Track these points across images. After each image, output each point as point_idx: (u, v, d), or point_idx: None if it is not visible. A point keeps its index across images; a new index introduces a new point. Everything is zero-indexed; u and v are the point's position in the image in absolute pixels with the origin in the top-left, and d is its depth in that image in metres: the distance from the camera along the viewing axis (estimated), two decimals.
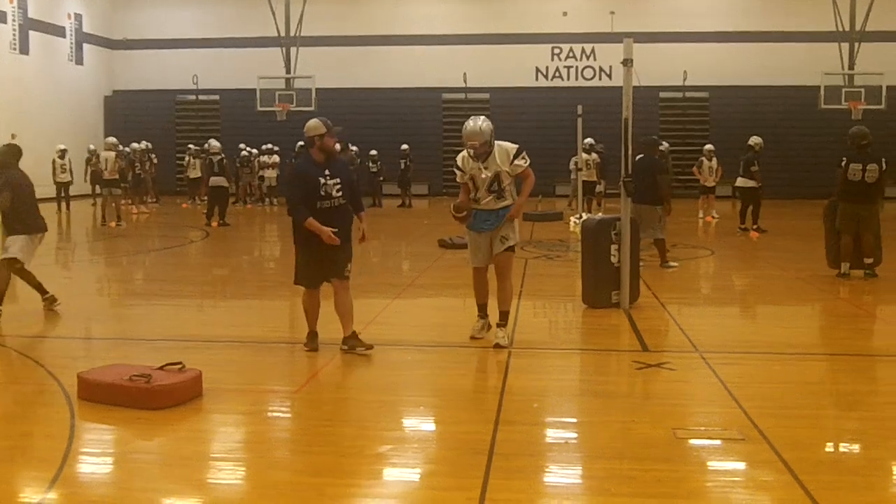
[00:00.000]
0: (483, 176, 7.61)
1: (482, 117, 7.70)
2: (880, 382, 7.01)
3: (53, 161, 24.38)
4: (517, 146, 7.69)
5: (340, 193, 7.41)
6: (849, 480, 4.64)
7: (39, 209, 9.49)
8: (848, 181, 11.42)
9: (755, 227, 17.96)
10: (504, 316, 7.77)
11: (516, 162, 7.61)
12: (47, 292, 9.62)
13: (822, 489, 4.39)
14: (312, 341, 7.62)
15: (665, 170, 12.46)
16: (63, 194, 24.47)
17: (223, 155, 20.93)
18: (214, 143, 21.41)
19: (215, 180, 20.36)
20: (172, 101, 33.87)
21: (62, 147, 24.66)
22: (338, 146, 7.55)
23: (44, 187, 27.70)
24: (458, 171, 7.84)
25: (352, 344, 7.46)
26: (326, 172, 7.36)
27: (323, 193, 7.32)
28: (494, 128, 7.71)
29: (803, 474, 4.59)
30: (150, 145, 27.46)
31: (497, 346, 7.59)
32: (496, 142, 7.69)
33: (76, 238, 19.80)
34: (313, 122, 7.49)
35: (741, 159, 18.07)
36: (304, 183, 7.35)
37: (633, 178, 11.79)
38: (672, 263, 12.79)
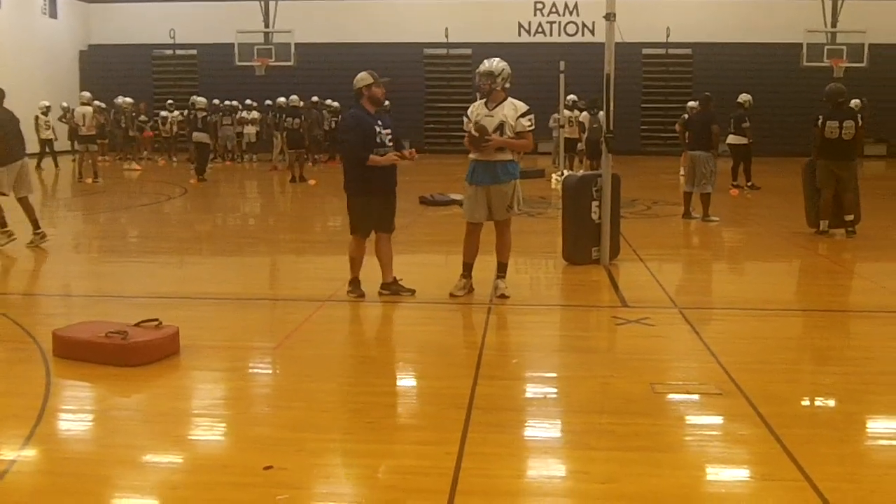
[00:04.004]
0: (488, 122, 7.61)
1: (499, 59, 7.79)
2: (857, 338, 7.06)
3: (37, 118, 24.15)
4: (528, 107, 7.73)
5: (391, 144, 7.70)
6: (824, 434, 4.67)
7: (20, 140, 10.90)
8: (825, 139, 11.43)
9: (749, 183, 18.10)
10: (503, 267, 7.93)
11: (522, 120, 7.63)
12: (39, 228, 10.58)
13: (797, 443, 4.42)
14: (357, 288, 7.82)
15: (717, 121, 13.51)
16: (48, 150, 24.35)
17: (207, 111, 21.16)
18: (200, 99, 21.60)
19: (198, 136, 20.62)
20: (149, 56, 33.43)
21: (46, 104, 24.45)
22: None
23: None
24: (465, 119, 7.89)
25: (394, 289, 7.85)
26: (379, 122, 7.63)
27: (378, 142, 7.59)
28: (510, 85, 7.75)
29: (780, 428, 4.62)
30: (129, 100, 27.26)
31: (502, 296, 7.73)
32: (511, 98, 7.73)
33: (53, 195, 19.60)
34: (361, 74, 7.73)
35: (731, 117, 18.10)
36: (363, 131, 7.58)
37: (689, 128, 13.83)
38: (713, 218, 13.18)
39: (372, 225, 7.78)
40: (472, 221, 7.91)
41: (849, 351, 6.58)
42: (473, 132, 7.60)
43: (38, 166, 24.40)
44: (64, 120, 25.20)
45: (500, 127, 7.61)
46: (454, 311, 7.56)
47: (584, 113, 19.76)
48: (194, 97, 22.21)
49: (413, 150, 7.89)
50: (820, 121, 11.51)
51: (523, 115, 7.64)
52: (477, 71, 7.77)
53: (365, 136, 7.55)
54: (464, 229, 8.03)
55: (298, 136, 20.63)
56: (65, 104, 25.70)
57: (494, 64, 7.69)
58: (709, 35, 31.09)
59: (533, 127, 7.72)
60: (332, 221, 14.45)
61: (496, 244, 7.95)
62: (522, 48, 32.04)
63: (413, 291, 7.86)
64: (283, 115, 21.79)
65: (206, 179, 20.42)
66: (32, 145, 26.09)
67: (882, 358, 6.22)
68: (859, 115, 11.75)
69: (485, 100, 7.79)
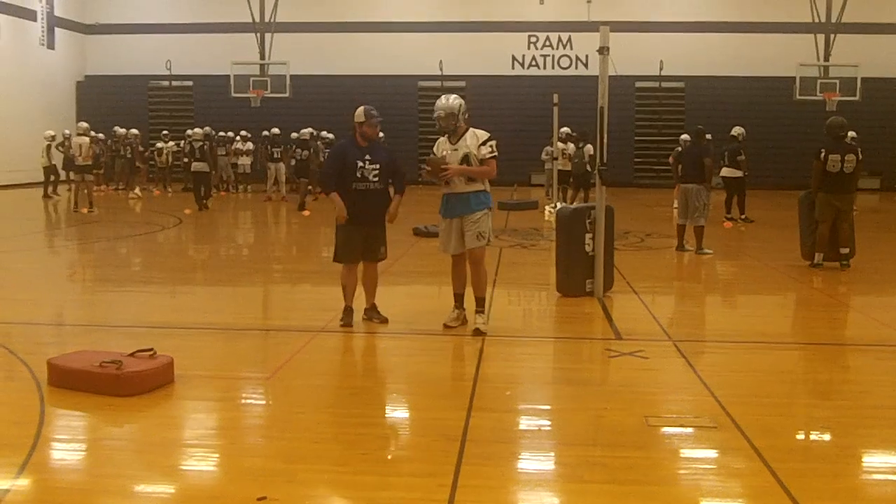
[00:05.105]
0: (453, 156, 7.64)
1: (454, 95, 7.87)
2: (852, 371, 7.06)
3: (49, 147, 24.73)
4: (489, 134, 7.74)
5: (377, 179, 7.79)
6: (819, 468, 4.67)
7: None
8: (826, 172, 11.46)
9: (743, 216, 18.17)
10: (480, 302, 7.82)
11: (482, 148, 7.65)
12: None
13: (792, 476, 4.42)
14: (348, 317, 7.95)
15: (710, 154, 13.50)
16: (54, 178, 24.72)
17: (205, 141, 21.65)
18: (198, 130, 22.60)
19: (197, 165, 21.17)
20: (145, 87, 33.55)
21: (52, 133, 24.82)
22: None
23: (16, 172, 27.65)
24: (432, 155, 7.89)
25: (371, 315, 8.07)
26: (367, 157, 7.77)
27: (359, 175, 7.74)
28: (470, 115, 7.78)
29: (774, 462, 4.62)
30: (137, 132, 27.49)
31: (477, 331, 7.63)
32: (472, 128, 7.74)
33: (48, 224, 19.60)
34: (358, 110, 7.93)
35: (724, 150, 18.15)
36: (341, 162, 7.83)
37: (682, 161, 13.87)
38: (707, 250, 13.21)
39: (357, 254, 7.95)
40: (448, 254, 7.94)
41: (844, 384, 6.59)
42: (427, 167, 7.67)
43: (47, 195, 24.56)
44: (60, 149, 25.30)
45: (465, 158, 7.64)
46: (447, 343, 7.56)
47: (571, 145, 19.99)
48: (196, 129, 22.88)
49: (391, 215, 7.98)
50: (822, 154, 11.52)
51: (484, 143, 7.67)
52: (436, 115, 7.71)
53: (343, 169, 7.75)
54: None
55: (306, 167, 21.47)
56: (67, 132, 25.79)
57: (453, 102, 7.70)
58: (702, 68, 31.34)
59: (494, 153, 7.71)
60: (327, 252, 14.45)
61: (471, 279, 7.90)
62: (516, 81, 32.34)
63: (385, 320, 8.01)
64: (293, 147, 22.95)
65: (208, 207, 20.96)
66: (25, 175, 26.44)
67: (877, 392, 6.23)
68: (859, 149, 11.82)
69: (447, 134, 7.82)
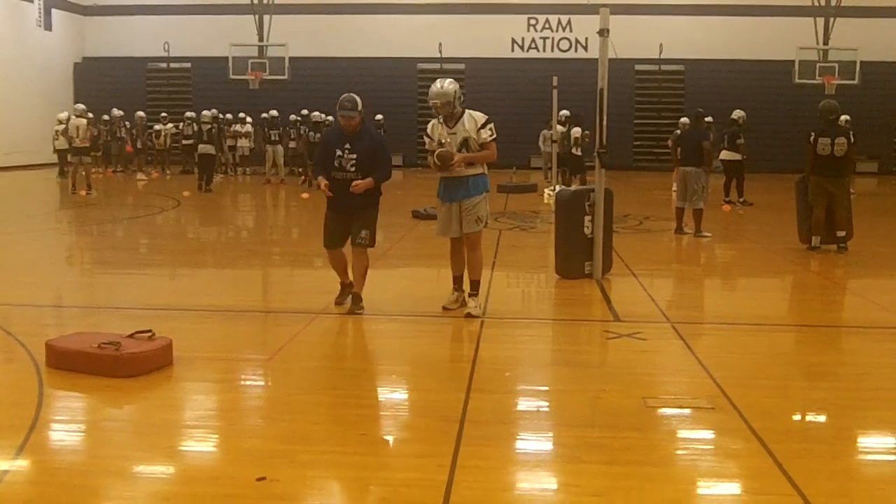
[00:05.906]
0: (451, 140, 7.56)
1: (449, 79, 7.72)
2: (849, 353, 7.08)
3: (66, 130, 24.60)
4: (487, 117, 7.67)
5: (354, 169, 7.57)
6: (816, 449, 4.68)
7: None
8: (817, 155, 11.48)
9: (741, 199, 18.18)
10: (475, 285, 7.80)
11: (482, 132, 7.57)
12: None
13: (789, 457, 4.43)
14: (343, 295, 7.98)
15: (708, 138, 13.65)
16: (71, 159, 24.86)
17: (213, 124, 21.75)
18: (206, 112, 22.73)
19: (204, 148, 21.38)
20: (143, 69, 33.43)
21: (64, 115, 24.82)
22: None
23: (14, 154, 27.59)
24: (427, 139, 7.84)
25: (351, 302, 7.81)
26: (347, 146, 7.57)
27: (336, 165, 7.59)
28: (468, 98, 7.74)
29: (772, 443, 4.63)
30: (143, 115, 27.45)
31: (468, 315, 7.60)
32: (468, 110, 7.68)
33: (46, 206, 19.57)
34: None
35: (724, 133, 18.18)
36: (323, 149, 7.80)
37: (680, 144, 13.81)
38: (706, 233, 13.24)
39: (335, 240, 7.86)
40: (446, 237, 7.91)
41: (840, 366, 6.60)
42: (436, 161, 7.55)
43: (60, 176, 24.60)
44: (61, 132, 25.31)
45: (465, 143, 7.56)
46: (447, 325, 7.56)
47: (559, 128, 19.99)
48: (204, 112, 22.91)
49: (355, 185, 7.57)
50: (812, 137, 11.55)
51: (483, 127, 7.57)
52: (432, 101, 7.54)
53: (324, 156, 7.72)
54: None
55: (316, 149, 21.64)
56: (65, 114, 25.73)
57: (448, 88, 7.52)
58: (701, 52, 31.27)
59: (494, 136, 7.62)
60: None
61: (467, 261, 7.85)
62: (516, 63, 32.26)
63: (354, 312, 7.65)
64: (307, 129, 23.18)
65: (211, 190, 21.08)
66: (31, 156, 26.33)
67: (873, 374, 6.24)
68: (851, 132, 11.82)
69: (442, 116, 7.70)
